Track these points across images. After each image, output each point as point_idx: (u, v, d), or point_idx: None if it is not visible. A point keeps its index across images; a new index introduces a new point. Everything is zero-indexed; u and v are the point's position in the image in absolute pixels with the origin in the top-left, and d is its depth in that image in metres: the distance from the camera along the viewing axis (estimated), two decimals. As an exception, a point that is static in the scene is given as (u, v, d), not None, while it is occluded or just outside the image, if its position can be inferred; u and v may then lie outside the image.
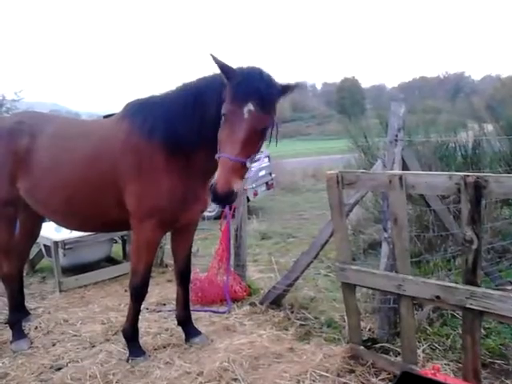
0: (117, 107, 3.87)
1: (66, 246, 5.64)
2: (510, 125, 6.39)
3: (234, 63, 3.00)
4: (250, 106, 2.81)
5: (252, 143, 2.88)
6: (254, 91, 2.82)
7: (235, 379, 3.37)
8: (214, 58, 2.94)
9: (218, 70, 3.00)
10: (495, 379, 3.24)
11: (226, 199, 2.82)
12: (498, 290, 2.90)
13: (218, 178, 2.80)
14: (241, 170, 2.86)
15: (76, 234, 5.48)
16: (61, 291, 5.49)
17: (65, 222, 4.03)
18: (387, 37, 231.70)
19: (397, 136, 3.59)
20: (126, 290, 5.29)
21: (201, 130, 3.26)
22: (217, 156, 2.90)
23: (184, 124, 3.31)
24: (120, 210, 3.54)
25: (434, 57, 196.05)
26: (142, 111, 3.52)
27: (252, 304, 4.74)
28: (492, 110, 7.92)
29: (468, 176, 2.62)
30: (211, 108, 3.13)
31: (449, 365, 3.38)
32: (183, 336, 4.06)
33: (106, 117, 5.02)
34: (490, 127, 6.89)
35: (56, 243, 5.57)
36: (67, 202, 3.72)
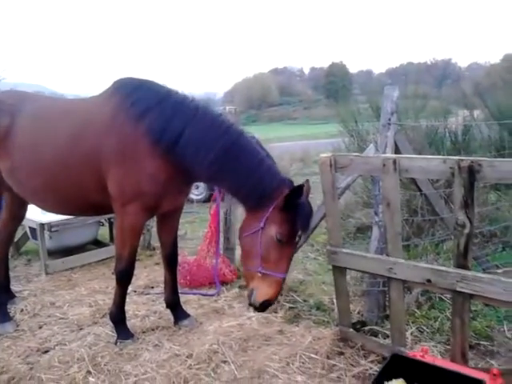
0: (94, 87, 3.74)
1: (52, 229, 5.57)
2: (498, 111, 6.42)
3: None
4: (300, 233, 3.20)
5: None
6: (307, 224, 3.15)
7: (225, 361, 3.37)
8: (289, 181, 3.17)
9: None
10: (481, 360, 3.30)
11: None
12: (487, 273, 2.92)
13: (274, 295, 3.14)
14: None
15: (62, 216, 5.40)
16: (47, 274, 5.43)
17: (44, 204, 3.92)
18: (375, 22, 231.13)
19: (390, 120, 3.57)
20: (113, 273, 5.19)
21: (213, 169, 3.20)
22: (260, 270, 3.11)
23: (198, 148, 3.20)
24: (102, 194, 3.45)
25: (422, 43, 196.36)
26: (135, 91, 3.40)
27: (241, 287, 4.74)
28: (480, 97, 7.95)
29: (462, 160, 2.61)
30: (246, 185, 3.14)
31: (436, 346, 3.43)
32: (172, 319, 4.04)
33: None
34: (478, 113, 6.93)
35: (42, 225, 5.49)
36: (47, 184, 3.61)
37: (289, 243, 3.13)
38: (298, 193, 3.01)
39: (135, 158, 3.30)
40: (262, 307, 3.16)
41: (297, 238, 3.20)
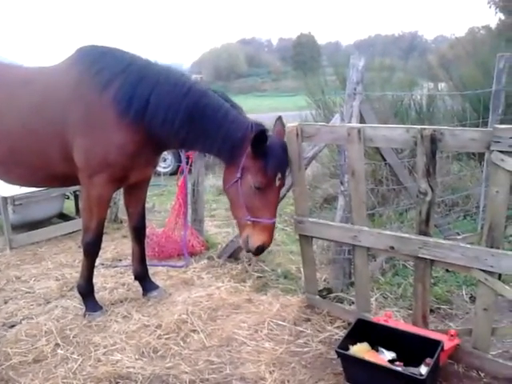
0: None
1: (16, 202, 5.43)
2: (461, 82, 6.54)
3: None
4: (279, 176, 3.16)
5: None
6: (283, 165, 3.19)
7: (194, 330, 3.41)
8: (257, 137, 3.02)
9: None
10: (440, 323, 3.44)
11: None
12: (447, 239, 3.03)
13: (267, 239, 3.19)
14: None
15: (26, 189, 5.27)
16: (11, 248, 5.32)
17: (8, 176, 3.78)
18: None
19: (355, 89, 3.59)
20: (79, 246, 5.14)
21: (181, 131, 3.20)
22: (248, 219, 3.17)
23: (164, 111, 3.17)
24: (68, 164, 3.38)
25: (390, 15, 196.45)
26: (99, 59, 3.31)
27: (210, 258, 4.77)
28: (445, 69, 8.06)
29: (425, 129, 2.67)
30: (215, 138, 3.16)
31: (399, 311, 3.55)
32: (141, 290, 4.04)
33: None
34: (443, 85, 7.04)
35: (5, 199, 5.34)
36: (11, 155, 3.49)
37: (269, 188, 3.14)
38: (261, 137, 3.02)
39: (102, 128, 3.24)
40: (258, 251, 3.23)
41: (277, 182, 3.16)
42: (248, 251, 3.32)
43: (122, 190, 3.98)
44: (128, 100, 3.17)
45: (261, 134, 3.00)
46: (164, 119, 3.17)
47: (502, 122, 4.52)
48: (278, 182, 3.17)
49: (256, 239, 3.17)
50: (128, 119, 3.20)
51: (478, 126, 4.84)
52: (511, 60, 4.70)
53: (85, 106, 3.24)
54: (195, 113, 3.15)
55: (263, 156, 3.06)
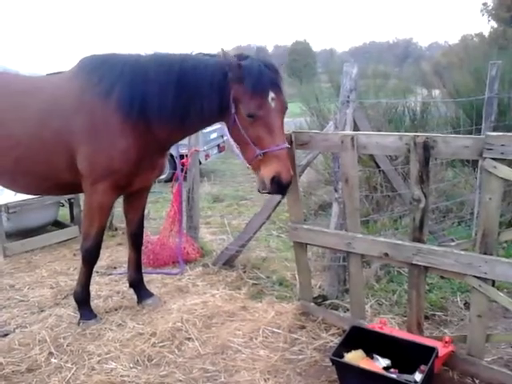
0: (60, 68, 3.64)
1: (10, 210, 5.41)
2: (455, 89, 6.58)
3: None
4: (272, 95, 2.93)
5: (283, 126, 3.04)
6: (270, 82, 2.95)
7: (188, 338, 3.40)
8: (225, 54, 2.96)
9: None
10: (435, 329, 3.45)
11: (288, 186, 2.99)
12: (441, 246, 3.03)
13: (281, 169, 2.91)
14: (289, 154, 3.03)
15: (20, 197, 5.25)
16: (5, 256, 5.28)
17: (14, 184, 3.81)
18: (339, 1, 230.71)
19: (349, 97, 3.61)
20: (74, 254, 5.17)
21: (176, 108, 3.17)
22: (260, 153, 2.95)
23: (156, 99, 3.17)
24: (73, 173, 3.40)
25: (385, 23, 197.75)
26: (100, 68, 3.34)
27: (205, 265, 4.76)
28: (439, 76, 8.12)
29: (418, 136, 2.69)
30: (202, 93, 3.08)
31: (394, 318, 3.55)
32: (135, 298, 4.03)
33: (49, 75, 4.74)
34: (437, 92, 7.08)
35: (-2, 207, 5.33)
36: (16, 163, 3.50)
37: (266, 112, 2.94)
38: (233, 66, 2.94)
39: (106, 135, 3.26)
40: (276, 186, 2.95)
41: (272, 104, 2.93)
42: (267, 192, 3.06)
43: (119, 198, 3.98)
44: (130, 101, 3.20)
45: (230, 64, 2.93)
46: (160, 106, 3.16)
47: (494, 129, 4.56)
48: (273, 104, 2.94)
49: (268, 171, 2.94)
50: (132, 120, 3.22)
51: (471, 133, 4.87)
52: (503, 67, 4.75)
53: (89, 114, 3.28)
54: (181, 83, 3.13)
55: (245, 78, 2.93)
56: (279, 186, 2.95)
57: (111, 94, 3.23)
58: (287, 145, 2.98)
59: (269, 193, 3.06)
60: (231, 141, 3.29)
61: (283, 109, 3.04)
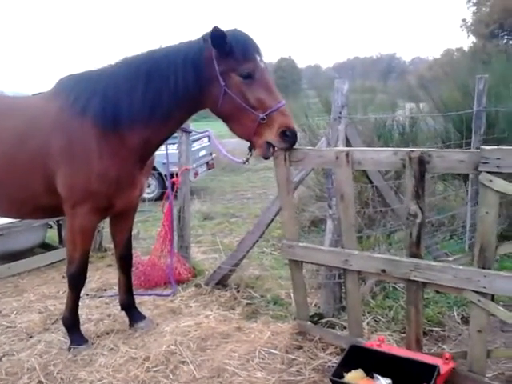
0: (45, 87, 3.61)
1: (-4, 233, 5.30)
2: (442, 103, 6.64)
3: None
4: (260, 56, 3.02)
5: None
6: (254, 44, 3.03)
7: (183, 362, 3.31)
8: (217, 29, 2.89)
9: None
10: (433, 345, 3.41)
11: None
12: (438, 261, 3.01)
13: (289, 121, 2.98)
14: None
15: (6, 219, 5.14)
16: (-8, 281, 5.16)
17: None
18: (322, 17, 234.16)
19: (340, 113, 3.61)
20: (63, 277, 5.04)
21: (146, 100, 3.12)
22: (262, 116, 2.94)
23: (126, 100, 3.14)
24: (53, 196, 3.33)
25: (367, 38, 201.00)
26: (75, 87, 3.31)
27: (197, 285, 4.67)
28: (425, 89, 8.20)
29: (413, 151, 2.67)
30: (174, 83, 3.05)
31: (392, 335, 3.49)
32: (127, 321, 3.93)
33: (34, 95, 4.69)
34: (424, 105, 7.14)
35: (-16, 230, 5.22)
36: None
37: (261, 73, 2.98)
38: (218, 32, 2.89)
39: (83, 157, 3.20)
40: (288, 138, 2.99)
41: (262, 64, 3.00)
42: (271, 155, 3.09)
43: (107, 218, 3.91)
44: (102, 113, 3.16)
45: (215, 30, 2.88)
46: (130, 105, 3.13)
47: (484, 142, 4.59)
48: (262, 64, 3.02)
49: (276, 128, 2.94)
50: (107, 135, 3.17)
51: (461, 147, 4.90)
52: (489, 81, 4.81)
53: (65, 134, 3.22)
54: (150, 73, 3.11)
55: (232, 45, 2.92)
56: (292, 137, 3.02)
57: (86, 111, 3.19)
58: (283, 101, 3.02)
59: (271, 154, 3.10)
60: (219, 146, 3.26)
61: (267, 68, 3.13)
